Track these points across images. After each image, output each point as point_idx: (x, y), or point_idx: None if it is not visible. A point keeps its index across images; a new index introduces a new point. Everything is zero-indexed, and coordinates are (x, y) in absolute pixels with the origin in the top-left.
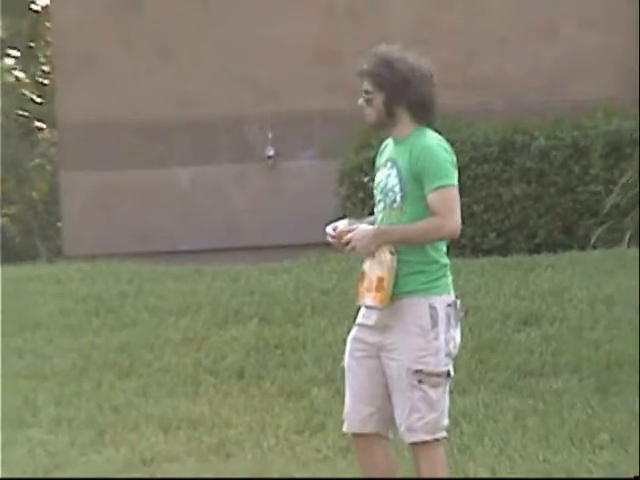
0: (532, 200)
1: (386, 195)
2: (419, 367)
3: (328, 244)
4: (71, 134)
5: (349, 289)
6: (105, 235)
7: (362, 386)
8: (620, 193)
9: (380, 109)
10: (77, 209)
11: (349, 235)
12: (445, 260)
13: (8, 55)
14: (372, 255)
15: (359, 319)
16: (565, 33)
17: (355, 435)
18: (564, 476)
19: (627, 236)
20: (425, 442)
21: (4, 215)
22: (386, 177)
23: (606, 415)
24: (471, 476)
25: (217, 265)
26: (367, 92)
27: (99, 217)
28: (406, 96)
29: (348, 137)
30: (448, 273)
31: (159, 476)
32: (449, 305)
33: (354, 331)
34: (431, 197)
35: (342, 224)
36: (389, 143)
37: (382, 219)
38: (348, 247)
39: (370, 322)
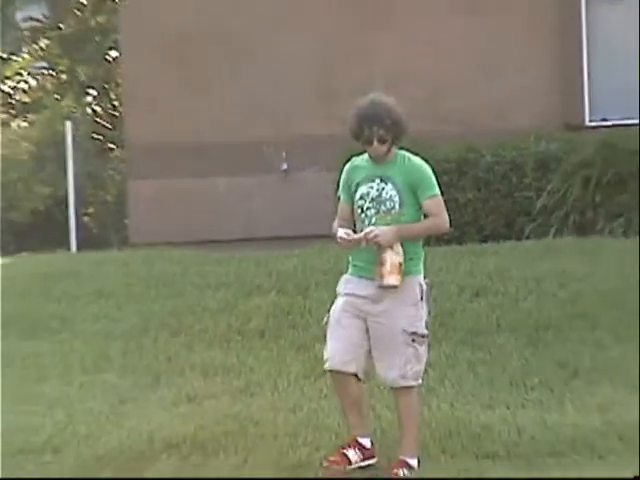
0: (481, 202)
1: (381, 203)
2: (413, 330)
3: (328, 236)
4: (135, 153)
5: (344, 269)
6: (161, 228)
7: (351, 337)
8: (547, 198)
9: (390, 144)
10: (140, 209)
11: (375, 231)
12: (422, 251)
13: (88, 93)
14: (391, 247)
15: (348, 290)
16: (505, 74)
17: (336, 372)
18: (504, 409)
19: (552, 230)
20: (410, 386)
21: (85, 214)
22: (379, 190)
23: (536, 364)
24: (434, 409)
25: (244, 251)
26: (383, 135)
27: (156, 214)
28: (402, 132)
29: (342, 155)
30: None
31: (201, 410)
32: (426, 283)
33: (345, 298)
34: (426, 203)
35: (350, 232)
36: (362, 163)
37: (375, 222)
38: (373, 240)
39: (364, 294)
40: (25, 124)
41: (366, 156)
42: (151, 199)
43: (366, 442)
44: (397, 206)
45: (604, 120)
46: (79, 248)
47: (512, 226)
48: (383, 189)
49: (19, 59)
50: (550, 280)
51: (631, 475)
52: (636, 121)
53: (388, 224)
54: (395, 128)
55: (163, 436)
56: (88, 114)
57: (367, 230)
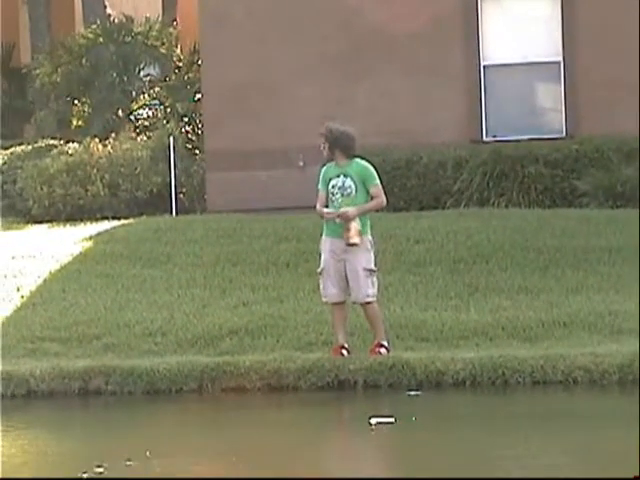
0: (420, 186)
1: (344, 190)
2: (369, 267)
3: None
4: (210, 156)
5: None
6: (226, 202)
7: (338, 278)
8: (460, 184)
9: (329, 150)
10: (213, 190)
11: (343, 210)
12: (369, 221)
13: (183, 120)
14: (354, 219)
15: (329, 247)
16: (434, 109)
17: (332, 303)
18: (433, 311)
19: (463, 203)
20: (372, 301)
21: (181, 192)
22: (343, 182)
23: (453, 284)
24: (391, 311)
25: (277, 215)
26: (324, 144)
27: (224, 193)
28: (339, 145)
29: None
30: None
31: (250, 310)
32: (372, 238)
33: (329, 254)
34: (372, 190)
35: (330, 210)
36: (332, 166)
37: (341, 203)
38: (344, 216)
39: (339, 247)
40: (145, 138)
41: (334, 162)
42: (220, 184)
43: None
44: (353, 192)
45: (494, 137)
46: (177, 214)
47: (439, 201)
48: (344, 182)
49: (142, 99)
50: (461, 233)
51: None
52: (513, 137)
53: (348, 204)
54: (333, 141)
55: (228, 326)
56: (182, 132)
57: (341, 211)
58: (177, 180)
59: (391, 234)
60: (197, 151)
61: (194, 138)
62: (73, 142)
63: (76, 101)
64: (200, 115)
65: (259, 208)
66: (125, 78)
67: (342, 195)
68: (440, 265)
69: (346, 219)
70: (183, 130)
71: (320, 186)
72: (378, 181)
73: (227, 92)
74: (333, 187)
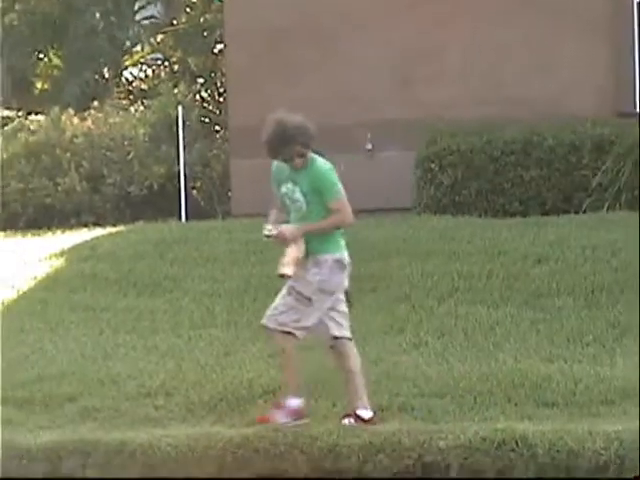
0: (543, 180)
1: (294, 202)
2: (299, 290)
3: (407, 208)
4: (237, 134)
5: (422, 238)
6: (259, 201)
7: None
8: (602, 176)
9: (273, 153)
10: (240, 184)
11: (278, 231)
12: (333, 236)
13: (197, 82)
14: (295, 242)
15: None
16: (563, 66)
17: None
18: (562, 362)
19: (606, 205)
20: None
21: (193, 188)
22: (293, 191)
23: (590, 323)
24: (500, 363)
25: None
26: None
27: (255, 189)
28: (278, 145)
29: (420, 136)
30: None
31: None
32: (336, 259)
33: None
34: (330, 204)
35: (273, 226)
36: (284, 165)
37: (294, 216)
38: (280, 237)
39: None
40: (142, 108)
41: None
42: (250, 175)
43: (296, 403)
44: (304, 207)
45: None
46: (188, 218)
47: (570, 201)
48: (294, 191)
49: (139, 51)
50: (604, 249)
51: None
52: None
53: (299, 219)
54: (271, 142)
55: (261, 383)
56: (197, 100)
57: (277, 231)
58: (188, 170)
59: (500, 250)
60: (218, 127)
61: (214, 108)
62: (37, 114)
63: (42, 54)
64: (223, 75)
65: None
66: (113, 20)
67: (294, 209)
68: (572, 295)
69: (282, 241)
70: (198, 97)
71: (273, 186)
72: (339, 194)
73: (260, 42)
74: (284, 195)
